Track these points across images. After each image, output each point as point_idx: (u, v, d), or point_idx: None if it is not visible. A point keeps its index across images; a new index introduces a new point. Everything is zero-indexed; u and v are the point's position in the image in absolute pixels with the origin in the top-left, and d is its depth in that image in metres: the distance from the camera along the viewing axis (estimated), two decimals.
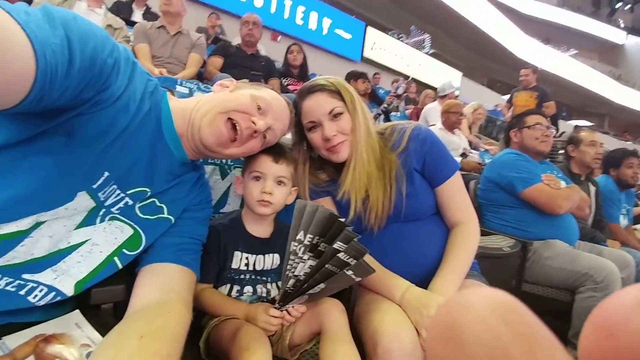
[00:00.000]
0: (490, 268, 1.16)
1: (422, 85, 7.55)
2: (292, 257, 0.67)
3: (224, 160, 0.98)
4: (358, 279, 0.68)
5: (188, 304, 0.58)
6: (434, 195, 0.91)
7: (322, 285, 0.67)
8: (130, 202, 0.58)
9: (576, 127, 6.50)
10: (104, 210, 0.56)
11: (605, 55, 15.65)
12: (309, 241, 0.66)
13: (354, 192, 0.83)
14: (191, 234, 0.67)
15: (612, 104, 15.67)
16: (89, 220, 0.54)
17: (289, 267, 0.67)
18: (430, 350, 0.15)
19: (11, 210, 0.45)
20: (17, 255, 0.48)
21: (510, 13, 12.51)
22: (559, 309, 1.40)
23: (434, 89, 4.37)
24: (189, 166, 0.68)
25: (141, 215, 0.60)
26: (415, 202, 0.86)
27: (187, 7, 2.56)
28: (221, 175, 0.97)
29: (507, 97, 4.40)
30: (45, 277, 0.51)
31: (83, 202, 0.52)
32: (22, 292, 0.49)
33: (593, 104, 16.19)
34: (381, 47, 9.05)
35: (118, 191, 0.56)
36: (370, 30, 8.74)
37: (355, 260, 0.65)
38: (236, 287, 0.76)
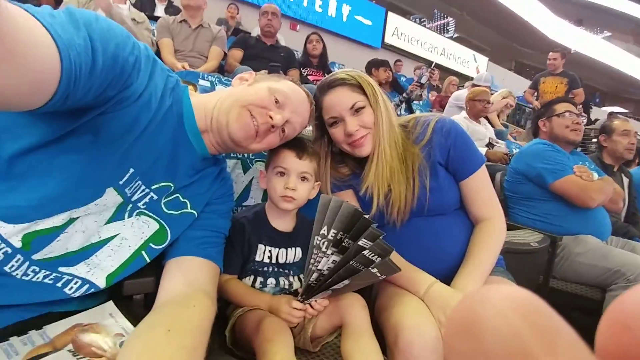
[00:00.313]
0: (517, 264, 1.12)
1: (445, 72, 7.29)
2: (315, 251, 0.67)
3: (245, 154, 0.99)
4: (382, 277, 0.67)
5: (212, 297, 0.60)
6: (458, 190, 0.88)
7: (346, 282, 0.66)
8: (155, 197, 0.60)
9: (610, 113, 6.08)
10: (131, 205, 0.57)
11: None
12: (332, 236, 0.66)
13: (377, 187, 0.82)
14: (214, 227, 0.69)
15: None
16: (117, 215, 0.56)
17: (312, 261, 0.67)
18: (447, 345, 0.14)
19: (46, 207, 0.48)
20: (54, 249, 0.51)
21: None
22: (589, 307, 1.34)
23: (459, 74, 4.19)
24: (210, 160, 0.69)
25: (166, 211, 0.62)
26: (439, 196, 0.84)
27: None
28: (243, 169, 0.99)
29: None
30: (79, 270, 0.54)
31: (111, 198, 0.53)
32: (58, 285, 0.52)
33: (628, 89, 15.07)
34: (403, 32, 8.77)
35: (143, 187, 0.57)
36: (391, 16, 8.47)
37: (380, 259, 0.65)
38: (259, 279, 0.78)
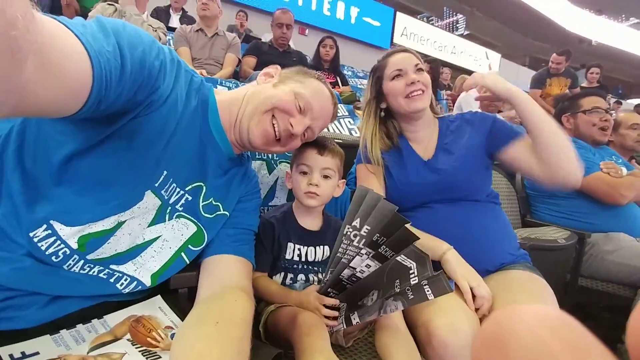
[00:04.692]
0: (543, 261, 1.11)
1: (457, 70, 7.20)
2: (345, 240, 0.66)
3: (270, 155, 1.02)
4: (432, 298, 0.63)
5: (249, 292, 0.63)
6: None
7: (400, 306, 0.63)
8: (190, 198, 0.63)
9: (637, 106, 5.85)
10: (170, 208, 0.61)
11: None
12: (365, 232, 0.65)
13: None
14: (244, 224, 0.72)
15: None
16: (159, 218, 0.60)
17: (340, 249, 0.66)
18: (475, 358, 0.15)
19: (95, 211, 0.52)
20: (105, 251, 0.55)
21: None
22: (619, 305, 1.31)
23: (471, 73, 4.11)
24: (236, 160, 0.72)
25: (204, 214, 0.65)
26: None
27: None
28: (268, 170, 1.02)
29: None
30: (128, 268, 0.58)
31: (150, 200, 0.57)
32: (111, 280, 0.56)
33: None
34: (412, 32, 8.73)
35: (178, 188, 0.60)
36: (400, 16, 8.45)
37: (426, 282, 0.61)
38: (290, 275, 0.80)
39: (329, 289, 0.71)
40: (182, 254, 0.63)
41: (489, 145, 0.94)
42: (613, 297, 1.33)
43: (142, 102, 0.50)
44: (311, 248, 0.83)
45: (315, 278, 0.82)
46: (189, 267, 0.64)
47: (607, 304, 1.36)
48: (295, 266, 0.81)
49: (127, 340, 0.50)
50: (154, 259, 0.60)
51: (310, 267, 0.82)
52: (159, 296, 0.61)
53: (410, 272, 0.63)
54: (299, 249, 0.82)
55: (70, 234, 0.50)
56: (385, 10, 8.27)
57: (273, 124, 0.65)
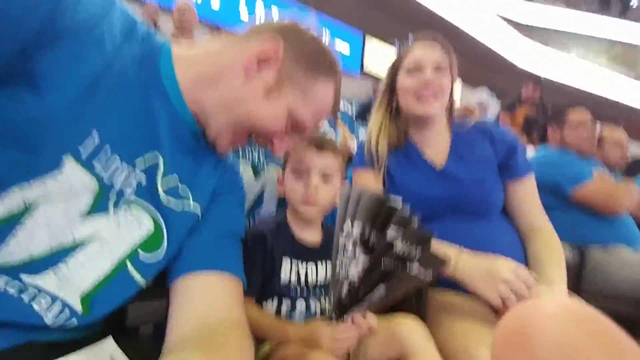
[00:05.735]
0: None
1: None
2: (338, 255, 0.53)
3: (256, 158, 0.88)
4: (426, 278, 0.51)
5: (244, 325, 0.46)
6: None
7: (381, 290, 0.50)
8: (144, 176, 0.46)
9: None
10: (114, 191, 0.43)
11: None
12: (358, 232, 0.52)
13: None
14: (225, 227, 0.53)
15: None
16: (98, 206, 0.42)
17: (338, 266, 0.53)
18: (496, 357, 0.15)
19: None
20: (12, 251, 0.37)
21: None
22: (625, 323, 1.25)
23: None
24: (203, 139, 0.54)
25: (166, 197, 0.48)
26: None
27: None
28: (254, 174, 0.87)
29: None
30: (47, 281, 0.39)
31: (78, 176, 0.40)
32: (24, 297, 0.37)
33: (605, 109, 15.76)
34: (383, 57, 9.06)
35: (123, 162, 0.43)
36: (370, 40, 8.73)
37: (416, 250, 0.49)
38: (286, 303, 0.64)
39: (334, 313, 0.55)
40: (128, 264, 0.44)
41: (499, 168, 0.86)
42: (619, 315, 1.27)
43: (36, 34, 0.36)
44: (311, 267, 0.68)
45: (318, 305, 0.66)
46: (156, 292, 0.46)
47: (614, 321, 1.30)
48: (292, 290, 0.65)
49: None
50: (85, 268, 0.41)
51: (310, 292, 0.67)
52: (109, 339, 0.41)
53: (396, 243, 0.49)
54: (297, 267, 0.67)
55: None
56: (354, 35, 8.51)
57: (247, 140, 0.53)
